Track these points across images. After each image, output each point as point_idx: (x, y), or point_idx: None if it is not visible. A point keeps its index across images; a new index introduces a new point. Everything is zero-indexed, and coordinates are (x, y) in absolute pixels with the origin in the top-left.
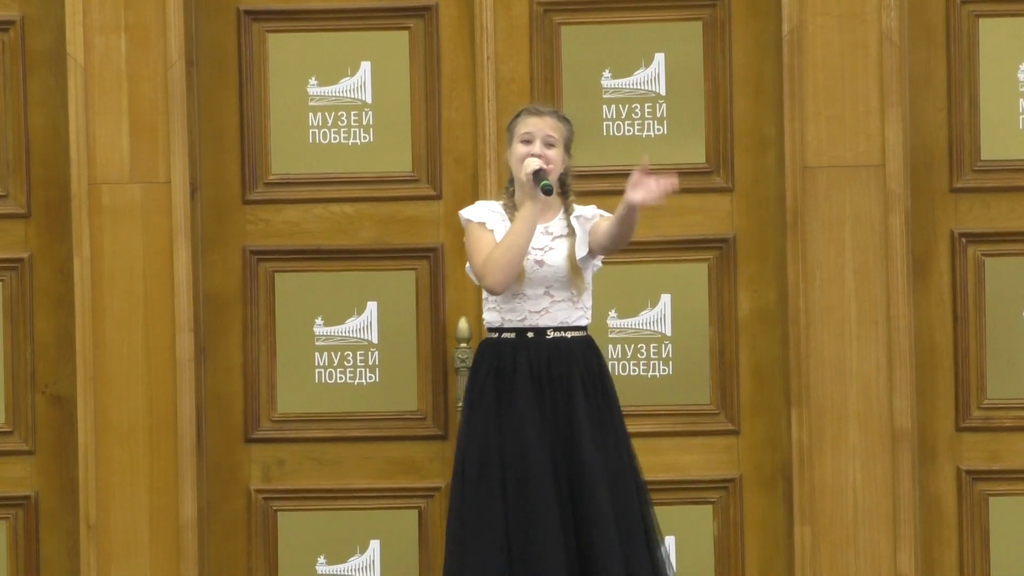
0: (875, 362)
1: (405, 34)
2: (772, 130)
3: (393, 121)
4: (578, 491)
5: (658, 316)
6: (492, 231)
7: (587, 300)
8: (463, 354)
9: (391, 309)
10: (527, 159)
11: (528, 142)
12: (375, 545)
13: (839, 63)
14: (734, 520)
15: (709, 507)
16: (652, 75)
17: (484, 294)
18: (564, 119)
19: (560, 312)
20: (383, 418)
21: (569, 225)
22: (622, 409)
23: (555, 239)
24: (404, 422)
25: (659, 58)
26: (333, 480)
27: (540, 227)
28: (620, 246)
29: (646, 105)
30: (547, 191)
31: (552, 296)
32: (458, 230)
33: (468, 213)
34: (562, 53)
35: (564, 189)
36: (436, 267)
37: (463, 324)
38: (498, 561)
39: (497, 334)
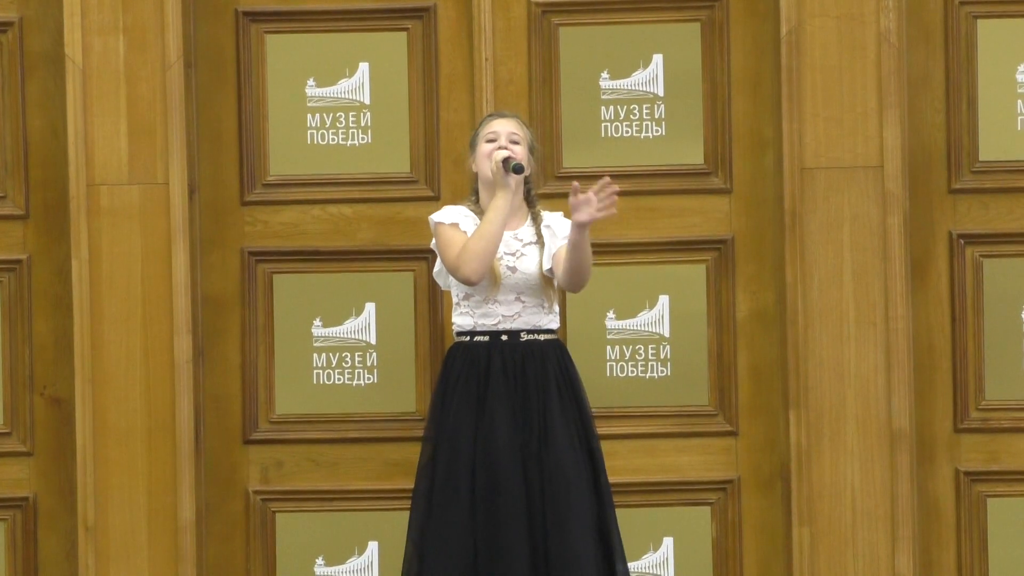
0: (873, 363)
1: (403, 35)
2: (770, 131)
3: (391, 122)
4: (552, 490)
5: (656, 317)
6: (465, 232)
7: (555, 305)
8: None
9: (389, 310)
10: (494, 152)
11: (493, 141)
12: (373, 547)
13: (837, 64)
14: (732, 521)
15: (707, 508)
16: (650, 76)
17: (454, 298)
18: (526, 124)
19: (532, 316)
20: (381, 419)
21: (538, 233)
22: (619, 410)
23: (525, 245)
24: (402, 423)
25: (657, 59)
26: (331, 481)
27: (509, 233)
28: (579, 279)
29: (644, 106)
30: (518, 170)
31: (523, 302)
32: None
33: (439, 216)
34: (560, 54)
35: (529, 198)
36: (434, 268)
37: None
38: (463, 565)
39: (469, 337)
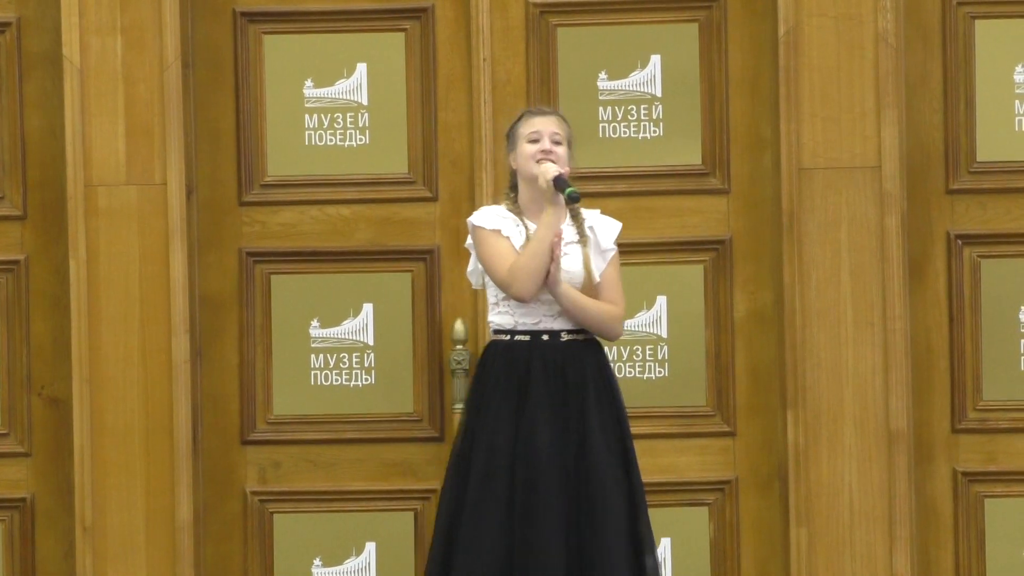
0: (871, 364)
1: (401, 36)
2: (768, 131)
3: (389, 123)
4: (589, 493)
5: (654, 318)
6: (508, 237)
7: None
8: (459, 356)
9: (387, 311)
10: (545, 164)
11: (536, 141)
12: (371, 547)
13: (835, 64)
14: (730, 522)
15: (705, 509)
16: (648, 77)
17: (491, 299)
18: (565, 119)
19: None
20: (379, 420)
21: (580, 231)
22: None
23: (567, 244)
24: (400, 424)
25: (655, 60)
26: (329, 482)
27: None
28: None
29: (642, 107)
30: (574, 198)
31: None
32: (454, 232)
33: (479, 220)
34: (558, 55)
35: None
36: (432, 269)
37: (459, 326)
38: (497, 564)
39: (509, 336)
